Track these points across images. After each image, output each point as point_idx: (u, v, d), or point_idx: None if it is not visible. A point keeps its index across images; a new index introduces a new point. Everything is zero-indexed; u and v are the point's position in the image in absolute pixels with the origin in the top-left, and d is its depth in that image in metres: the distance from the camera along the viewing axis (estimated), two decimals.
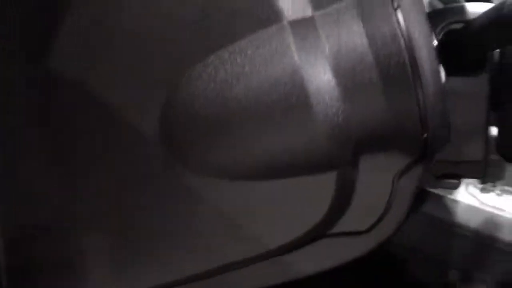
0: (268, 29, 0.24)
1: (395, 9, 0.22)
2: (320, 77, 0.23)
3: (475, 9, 0.42)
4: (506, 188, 0.77)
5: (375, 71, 0.22)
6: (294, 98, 0.23)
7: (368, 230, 0.27)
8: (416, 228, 0.76)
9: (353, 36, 0.23)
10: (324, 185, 0.25)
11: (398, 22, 0.22)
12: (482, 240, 0.73)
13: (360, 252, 0.28)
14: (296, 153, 0.25)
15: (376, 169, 0.25)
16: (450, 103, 0.41)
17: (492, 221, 0.73)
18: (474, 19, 0.39)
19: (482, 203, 0.76)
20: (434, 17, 0.42)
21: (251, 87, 0.24)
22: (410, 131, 0.24)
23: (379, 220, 0.26)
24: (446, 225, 0.75)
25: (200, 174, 0.27)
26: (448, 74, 0.40)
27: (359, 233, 0.27)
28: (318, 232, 0.26)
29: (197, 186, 0.27)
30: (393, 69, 0.22)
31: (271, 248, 0.27)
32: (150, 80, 0.27)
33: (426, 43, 0.22)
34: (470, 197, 0.76)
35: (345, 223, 0.26)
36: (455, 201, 0.76)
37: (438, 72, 0.22)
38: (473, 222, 0.74)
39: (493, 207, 0.76)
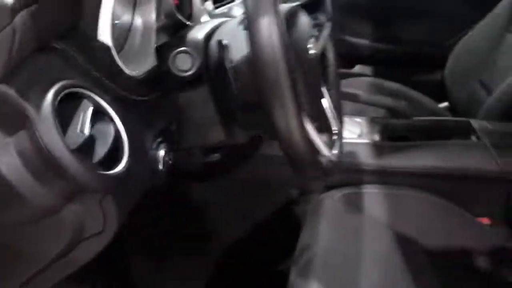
0: None
1: (35, 132, 0.38)
2: (23, 177, 0.39)
3: (194, 36, 0.56)
4: None
5: (44, 173, 0.39)
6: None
7: (103, 230, 0.45)
8: (264, 166, 0.96)
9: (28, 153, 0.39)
10: (64, 220, 0.43)
11: (39, 141, 0.38)
12: None
13: (106, 241, 0.47)
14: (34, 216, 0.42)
15: (84, 202, 0.44)
16: (187, 108, 0.58)
17: None
18: None
19: None
20: (165, 47, 0.56)
21: None
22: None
23: (105, 222, 0.45)
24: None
25: None
26: (179, 91, 0.56)
27: (99, 233, 0.45)
28: (74, 243, 0.45)
29: None
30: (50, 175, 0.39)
31: (49, 260, 0.46)
32: None
33: (61, 154, 0.38)
34: None
35: (89, 231, 0.45)
36: None
37: (81, 168, 0.39)
38: None
39: None
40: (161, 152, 0.53)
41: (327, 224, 0.80)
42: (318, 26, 0.64)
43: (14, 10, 0.36)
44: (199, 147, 0.62)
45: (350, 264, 0.72)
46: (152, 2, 0.54)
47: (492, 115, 1.01)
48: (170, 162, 0.55)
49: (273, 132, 0.49)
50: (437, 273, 0.70)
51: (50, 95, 0.39)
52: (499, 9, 1.19)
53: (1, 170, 0.38)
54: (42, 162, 0.39)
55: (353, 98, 1.04)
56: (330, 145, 0.60)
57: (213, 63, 0.53)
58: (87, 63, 0.46)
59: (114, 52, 0.48)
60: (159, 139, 0.54)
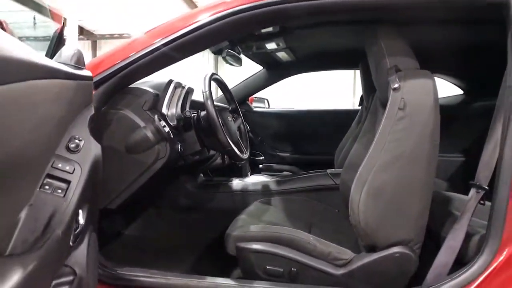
0: None
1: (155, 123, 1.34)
2: (150, 137, 1.33)
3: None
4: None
5: (156, 135, 1.34)
6: None
7: (165, 156, 1.37)
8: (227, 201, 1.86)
9: None
10: (155, 149, 1.35)
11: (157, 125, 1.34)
12: None
13: (164, 161, 1.36)
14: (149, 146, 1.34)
15: (161, 144, 1.36)
16: (186, 137, 1.55)
17: None
18: None
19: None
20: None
21: None
22: None
23: (166, 152, 1.37)
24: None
25: None
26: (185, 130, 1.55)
27: (163, 157, 1.36)
28: (155, 160, 1.35)
29: None
30: None
31: (147, 166, 1.34)
32: None
33: (163, 130, 1.34)
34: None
35: (160, 155, 1.36)
36: None
37: (164, 135, 1.34)
38: None
39: None
40: (178, 147, 1.47)
41: (250, 208, 1.66)
42: (234, 117, 1.73)
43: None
44: (192, 152, 1.55)
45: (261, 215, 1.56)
46: (174, 107, 1.56)
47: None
48: (181, 150, 1.48)
49: (217, 146, 1.47)
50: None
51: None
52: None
53: (147, 135, 1.31)
54: (156, 131, 1.32)
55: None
56: (241, 153, 1.57)
57: (196, 119, 1.53)
58: (160, 117, 1.43)
59: (166, 116, 1.46)
60: (178, 142, 1.47)
